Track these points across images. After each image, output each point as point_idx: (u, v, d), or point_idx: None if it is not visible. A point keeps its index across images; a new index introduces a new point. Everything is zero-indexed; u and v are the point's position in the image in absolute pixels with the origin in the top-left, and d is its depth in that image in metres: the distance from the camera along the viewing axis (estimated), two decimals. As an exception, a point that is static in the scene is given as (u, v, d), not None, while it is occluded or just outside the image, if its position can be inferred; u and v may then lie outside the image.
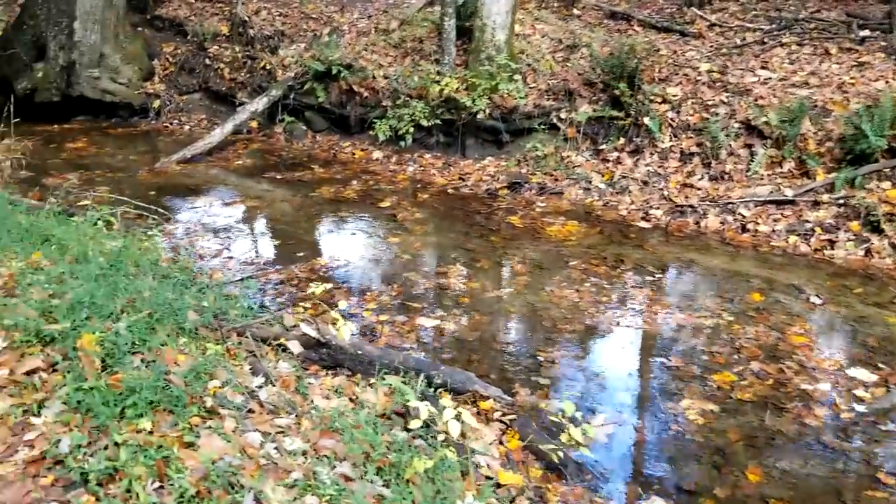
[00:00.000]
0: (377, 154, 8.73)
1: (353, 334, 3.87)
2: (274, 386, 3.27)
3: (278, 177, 7.91)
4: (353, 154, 8.90)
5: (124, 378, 2.60)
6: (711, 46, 9.14)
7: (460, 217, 6.87)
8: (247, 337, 3.69)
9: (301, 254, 5.77)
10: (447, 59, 8.75)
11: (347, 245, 6.06)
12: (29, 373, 2.69)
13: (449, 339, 4.46)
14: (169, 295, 3.69)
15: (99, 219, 5.12)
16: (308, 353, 3.96)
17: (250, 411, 2.88)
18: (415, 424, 3.04)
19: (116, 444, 2.29)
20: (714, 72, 8.33)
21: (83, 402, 2.47)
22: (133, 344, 2.97)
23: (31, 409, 2.46)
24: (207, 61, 10.25)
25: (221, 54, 10.19)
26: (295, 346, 3.92)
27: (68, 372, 2.69)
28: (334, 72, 9.03)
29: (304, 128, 9.50)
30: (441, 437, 3.01)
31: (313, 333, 3.93)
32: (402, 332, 4.48)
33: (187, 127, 10.07)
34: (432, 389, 3.57)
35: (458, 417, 3.03)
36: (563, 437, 3.21)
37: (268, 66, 9.73)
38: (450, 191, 7.68)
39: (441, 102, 8.48)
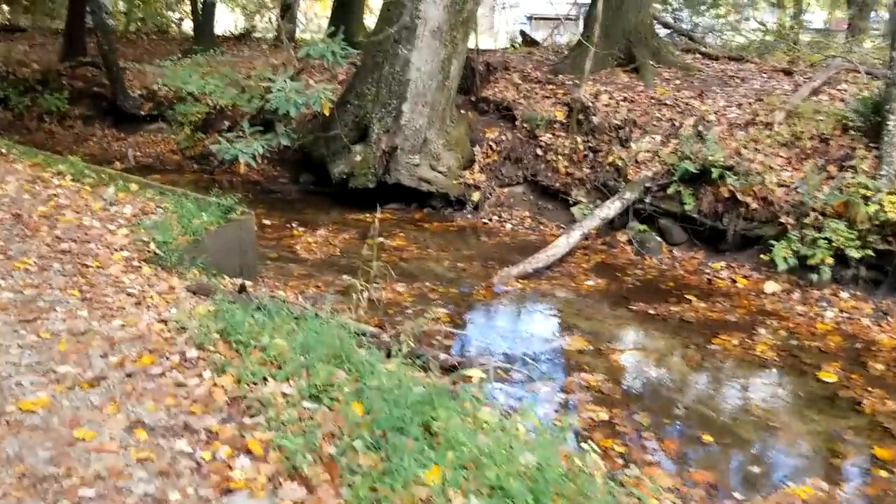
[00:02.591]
0: (771, 286, 6.75)
1: None
2: None
3: (650, 311, 6.22)
4: (734, 282, 6.99)
5: None
6: None
7: (960, 414, 4.64)
8: None
9: (755, 467, 3.92)
10: (886, 170, 6.61)
11: (810, 456, 4.11)
12: None
13: None
14: None
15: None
16: None
17: None
18: None
19: None
20: None
21: None
22: None
23: None
24: (538, 151, 9.03)
25: (556, 144, 8.92)
26: None
27: None
28: (715, 174, 7.27)
29: (659, 239, 7.80)
30: None
31: None
32: None
33: (508, 225, 8.85)
34: None
35: None
36: None
37: (617, 162, 8.22)
38: (910, 359, 5.45)
39: (874, 226, 6.33)
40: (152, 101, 13.48)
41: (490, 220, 9.01)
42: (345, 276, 6.83)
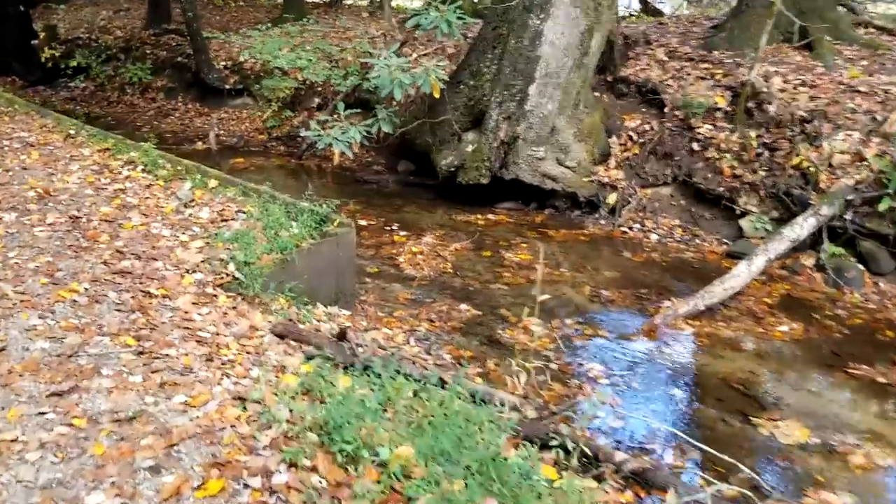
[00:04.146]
0: None
1: None
2: None
3: (877, 377, 4.76)
4: (976, 335, 5.39)
5: None
6: None
7: None
8: None
9: None
10: None
11: None
12: None
13: None
14: None
15: None
16: None
17: None
18: None
19: None
20: None
21: None
22: None
23: None
24: (695, 146, 7.52)
25: (718, 138, 7.39)
26: None
27: None
28: (950, 189, 5.66)
29: (860, 267, 6.22)
30: None
31: None
32: None
33: (654, 236, 7.41)
34: None
35: None
36: None
37: (804, 165, 6.66)
38: None
39: None
40: (238, 73, 12.54)
41: (630, 228, 7.59)
42: (462, 306, 5.63)
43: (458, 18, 7.16)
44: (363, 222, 7.54)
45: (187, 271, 4.63)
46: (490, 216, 8.13)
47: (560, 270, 6.51)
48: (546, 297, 3.84)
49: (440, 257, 6.71)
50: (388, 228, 7.48)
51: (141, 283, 4.38)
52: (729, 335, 5.28)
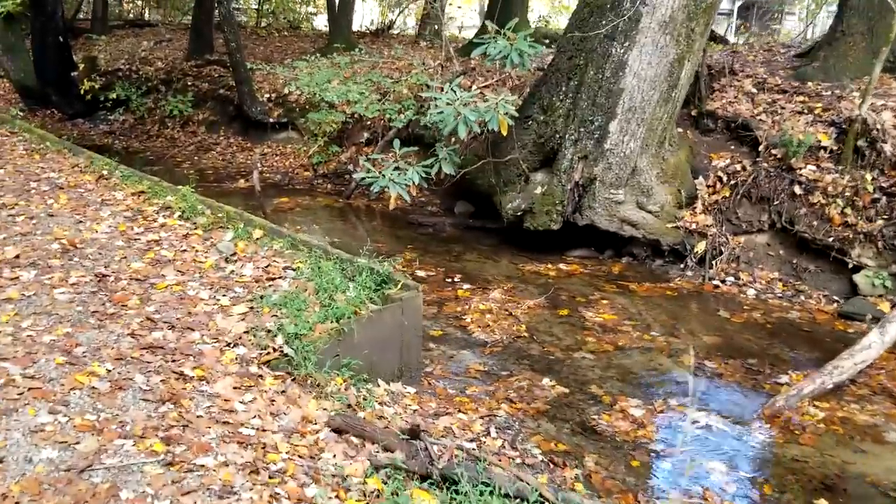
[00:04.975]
0: None
1: None
2: None
3: None
4: None
5: None
6: None
7: None
8: None
9: None
10: None
11: None
12: None
13: None
14: None
15: None
16: None
17: None
18: None
19: None
20: None
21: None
22: None
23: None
24: (796, 189, 6.71)
25: (825, 181, 6.57)
26: None
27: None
28: None
29: None
30: None
31: None
32: None
33: (751, 291, 6.61)
34: None
35: None
36: None
37: (934, 213, 5.82)
38: None
39: None
40: (282, 106, 12.06)
41: (722, 281, 6.78)
42: (545, 381, 4.88)
43: (531, 48, 6.53)
44: (421, 273, 6.87)
45: (228, 345, 3.99)
46: (561, 266, 7.39)
47: (651, 334, 5.72)
48: (702, 414, 3.07)
49: (512, 317, 5.98)
50: (450, 280, 6.78)
51: (174, 360, 3.74)
52: (866, 421, 4.44)
